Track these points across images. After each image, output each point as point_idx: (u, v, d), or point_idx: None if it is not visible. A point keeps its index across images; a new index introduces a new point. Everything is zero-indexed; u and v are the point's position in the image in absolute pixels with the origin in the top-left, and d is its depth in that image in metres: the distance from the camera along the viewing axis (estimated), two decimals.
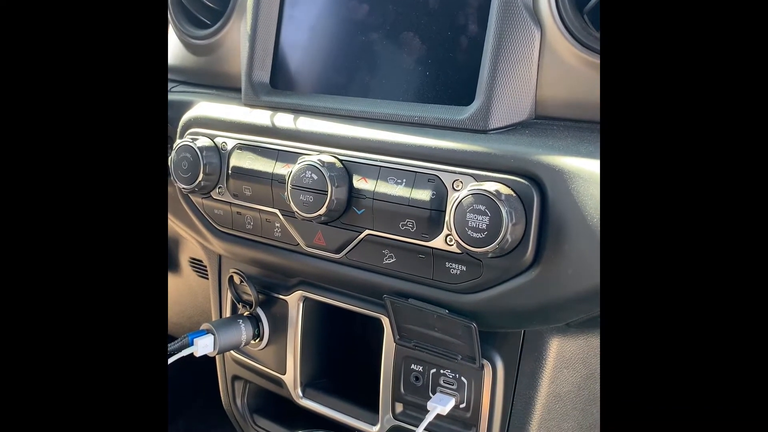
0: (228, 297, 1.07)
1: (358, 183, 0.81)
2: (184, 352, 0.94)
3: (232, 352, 1.08)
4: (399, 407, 0.92)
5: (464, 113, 0.77)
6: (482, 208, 0.69)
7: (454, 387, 0.86)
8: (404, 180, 0.78)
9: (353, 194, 0.82)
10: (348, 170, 0.82)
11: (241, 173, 0.91)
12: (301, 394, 1.02)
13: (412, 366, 0.89)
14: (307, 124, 0.88)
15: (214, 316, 1.13)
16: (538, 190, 0.70)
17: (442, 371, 0.87)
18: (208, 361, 1.08)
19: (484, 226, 0.69)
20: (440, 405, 0.84)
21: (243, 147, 0.92)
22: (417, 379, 0.89)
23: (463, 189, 0.73)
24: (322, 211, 0.81)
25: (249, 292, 1.02)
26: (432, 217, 0.76)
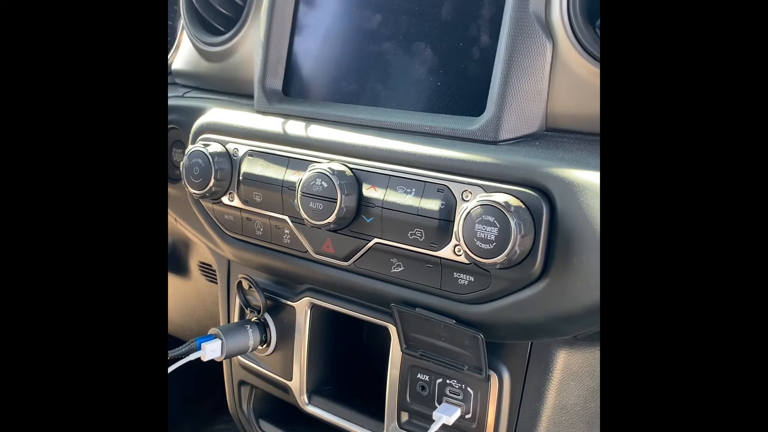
0: (236, 302, 1.07)
1: (368, 191, 0.81)
2: (192, 357, 0.94)
3: (239, 357, 1.09)
4: (404, 416, 0.92)
5: (475, 124, 0.77)
6: (491, 219, 0.69)
7: (460, 397, 0.86)
8: (413, 189, 0.78)
9: (363, 202, 0.82)
10: (358, 179, 0.82)
11: (252, 180, 0.92)
12: (307, 400, 1.02)
13: (419, 375, 0.89)
14: (318, 132, 0.89)
15: (222, 321, 1.13)
16: (548, 202, 0.70)
17: (448, 381, 0.87)
18: (215, 366, 1.08)
19: (493, 237, 0.69)
20: (446, 415, 0.84)
21: (254, 154, 0.92)
22: (423, 388, 0.89)
23: (472, 200, 0.73)
24: (332, 218, 0.81)
25: (257, 298, 1.02)
26: (440, 227, 0.76)
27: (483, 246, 0.70)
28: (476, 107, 0.79)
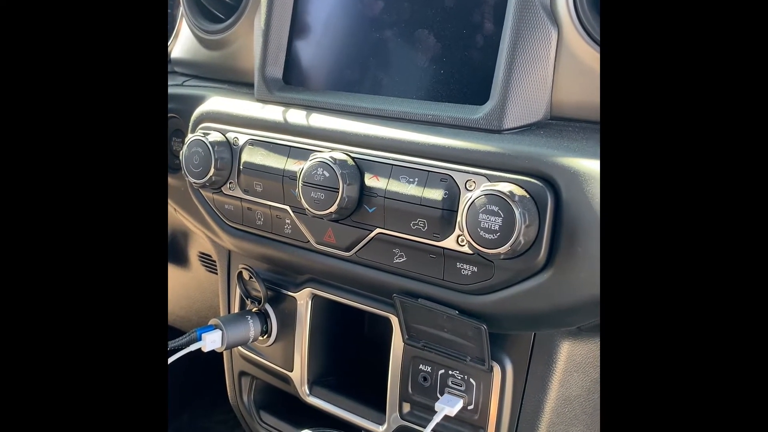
0: (236, 292, 1.07)
1: (370, 181, 0.81)
2: (192, 347, 0.94)
3: (239, 347, 1.08)
4: (406, 407, 0.91)
5: (478, 113, 0.76)
6: (495, 208, 0.69)
7: (463, 388, 0.85)
8: (416, 179, 0.77)
9: (365, 192, 0.81)
10: (360, 168, 0.81)
11: (253, 169, 0.91)
12: (308, 391, 1.02)
13: (421, 366, 0.88)
14: (319, 120, 0.88)
15: (223, 312, 1.13)
16: (553, 191, 0.69)
17: (450, 372, 0.86)
18: (215, 357, 1.08)
19: (497, 227, 0.69)
20: (448, 406, 0.84)
21: (255, 143, 0.91)
22: (425, 379, 0.88)
23: (476, 189, 0.72)
24: (333, 208, 0.80)
25: (258, 288, 1.01)
26: (444, 216, 0.75)
27: (487, 236, 0.69)
28: (480, 96, 0.78)
